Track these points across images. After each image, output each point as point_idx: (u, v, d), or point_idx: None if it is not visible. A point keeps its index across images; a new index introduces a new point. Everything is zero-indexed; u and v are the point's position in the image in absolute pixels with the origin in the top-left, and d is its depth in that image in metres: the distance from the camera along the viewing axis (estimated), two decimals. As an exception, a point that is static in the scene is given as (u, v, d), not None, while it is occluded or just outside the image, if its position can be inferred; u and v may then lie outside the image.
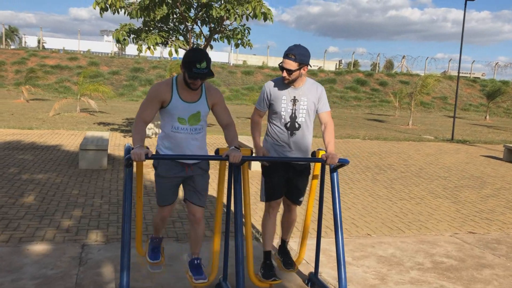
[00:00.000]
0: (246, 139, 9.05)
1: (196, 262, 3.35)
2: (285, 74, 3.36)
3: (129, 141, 10.73)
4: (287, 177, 3.58)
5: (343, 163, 3.34)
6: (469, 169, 9.62)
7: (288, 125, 3.46)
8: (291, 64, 3.31)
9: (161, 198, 3.33)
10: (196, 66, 2.98)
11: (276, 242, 4.16)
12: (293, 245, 4.46)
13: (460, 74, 16.91)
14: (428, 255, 4.52)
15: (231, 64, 34.11)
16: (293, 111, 3.45)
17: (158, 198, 3.35)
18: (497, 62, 40.05)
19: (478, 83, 35.10)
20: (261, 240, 4.53)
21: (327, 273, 3.95)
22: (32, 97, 21.86)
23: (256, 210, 5.57)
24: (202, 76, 3.02)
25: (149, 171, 7.14)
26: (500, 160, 11.15)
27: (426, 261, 4.36)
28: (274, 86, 3.48)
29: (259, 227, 4.94)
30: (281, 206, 3.79)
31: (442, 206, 6.48)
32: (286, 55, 3.34)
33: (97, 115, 16.10)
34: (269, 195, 3.57)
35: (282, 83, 3.45)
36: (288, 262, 3.69)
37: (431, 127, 19.58)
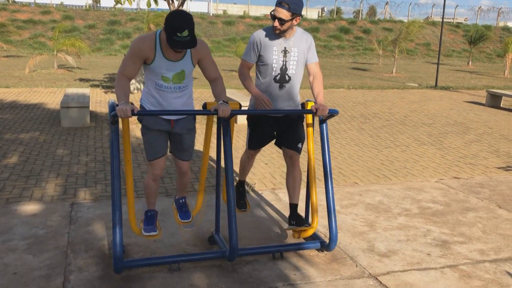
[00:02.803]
0: (231, 93, 8.93)
1: (181, 201, 3.53)
2: (276, 23, 3.20)
3: (111, 97, 10.51)
4: (277, 130, 3.55)
5: (332, 113, 3.31)
6: (453, 115, 9.73)
7: (278, 77, 3.36)
8: (284, 13, 3.15)
9: (151, 151, 3.22)
10: (176, 35, 2.78)
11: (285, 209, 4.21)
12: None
13: (444, 20, 16.75)
14: (415, 201, 4.62)
15: (211, 14, 33.11)
16: (284, 63, 3.34)
17: (148, 153, 3.24)
18: (480, 7, 39.76)
19: (461, 28, 34.91)
20: (252, 193, 4.57)
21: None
22: (5, 54, 21.07)
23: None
24: (183, 45, 2.84)
25: (133, 128, 7.04)
26: (482, 106, 11.29)
27: (413, 207, 4.46)
28: (265, 36, 3.31)
29: (247, 180, 4.96)
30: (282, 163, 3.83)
31: (427, 153, 6.58)
32: (279, 3, 3.15)
33: (76, 71, 15.65)
34: (252, 144, 3.62)
35: (273, 33, 3.30)
36: (302, 223, 3.54)
37: (415, 74, 19.59)
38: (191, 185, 4.81)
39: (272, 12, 3.22)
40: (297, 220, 3.55)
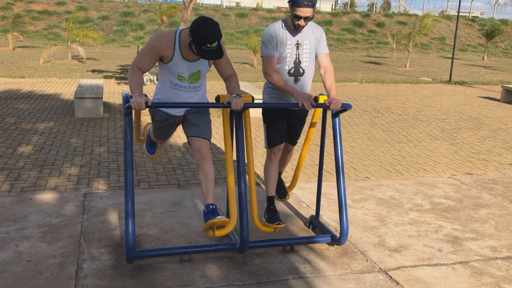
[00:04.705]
0: (243, 85, 8.93)
1: (211, 208, 3.03)
2: (303, 23, 3.19)
3: (124, 88, 10.57)
4: (288, 122, 3.55)
5: (345, 107, 3.30)
6: (467, 111, 9.62)
7: (292, 71, 3.35)
8: (309, 11, 3.15)
9: (157, 135, 3.54)
10: (206, 45, 2.81)
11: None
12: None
13: (459, 14, 16.51)
14: (427, 197, 4.59)
15: (224, 7, 33.02)
16: (297, 56, 3.33)
17: (154, 134, 3.54)
18: (497, 0, 39.08)
19: (477, 22, 34.36)
20: (262, 186, 4.58)
21: (328, 215, 4.02)
22: (21, 45, 21.29)
23: (255, 156, 5.59)
24: (212, 56, 2.85)
25: (146, 119, 7.08)
26: (497, 101, 11.13)
27: (424, 203, 4.43)
28: (278, 32, 3.30)
29: (258, 172, 4.97)
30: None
31: (440, 148, 6.52)
32: (304, 4, 3.11)
33: (89, 62, 15.76)
34: (271, 141, 3.54)
35: (285, 28, 3.29)
36: (281, 192, 3.87)
37: (429, 68, 19.38)
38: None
39: (295, 13, 3.15)
40: (277, 187, 3.81)
